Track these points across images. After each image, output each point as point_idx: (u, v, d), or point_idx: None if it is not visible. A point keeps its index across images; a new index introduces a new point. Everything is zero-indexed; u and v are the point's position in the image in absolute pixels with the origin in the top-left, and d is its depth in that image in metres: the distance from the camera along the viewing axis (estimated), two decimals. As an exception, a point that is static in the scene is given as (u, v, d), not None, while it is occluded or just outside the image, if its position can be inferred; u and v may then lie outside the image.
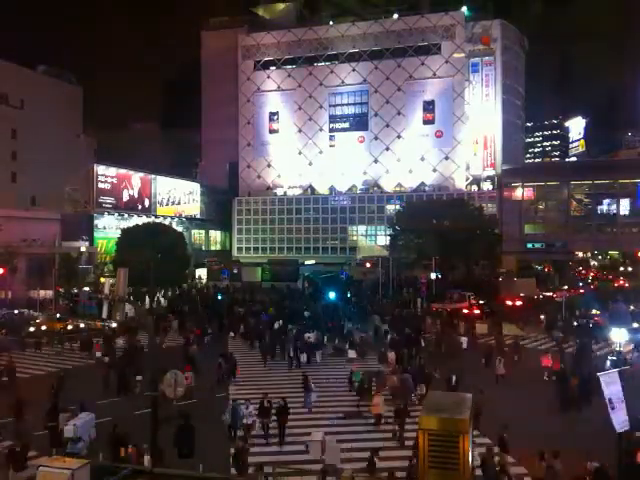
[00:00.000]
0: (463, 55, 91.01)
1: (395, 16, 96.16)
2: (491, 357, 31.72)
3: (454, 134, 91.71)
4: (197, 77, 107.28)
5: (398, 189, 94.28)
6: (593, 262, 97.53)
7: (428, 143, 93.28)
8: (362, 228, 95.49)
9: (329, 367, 33.08)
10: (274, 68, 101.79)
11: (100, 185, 76.03)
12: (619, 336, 31.80)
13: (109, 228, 76.14)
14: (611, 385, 15.11)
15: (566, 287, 61.00)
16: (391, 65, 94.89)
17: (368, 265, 73.11)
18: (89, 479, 11.80)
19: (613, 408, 14.80)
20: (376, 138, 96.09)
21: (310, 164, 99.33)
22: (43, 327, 40.36)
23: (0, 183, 77.87)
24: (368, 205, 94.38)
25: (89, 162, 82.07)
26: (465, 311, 48.41)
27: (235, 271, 74.40)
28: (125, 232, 64.16)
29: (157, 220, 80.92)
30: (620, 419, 14.78)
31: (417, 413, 12.67)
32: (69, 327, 41.33)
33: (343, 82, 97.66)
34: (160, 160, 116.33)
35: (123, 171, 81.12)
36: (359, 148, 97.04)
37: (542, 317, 47.19)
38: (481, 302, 52.03)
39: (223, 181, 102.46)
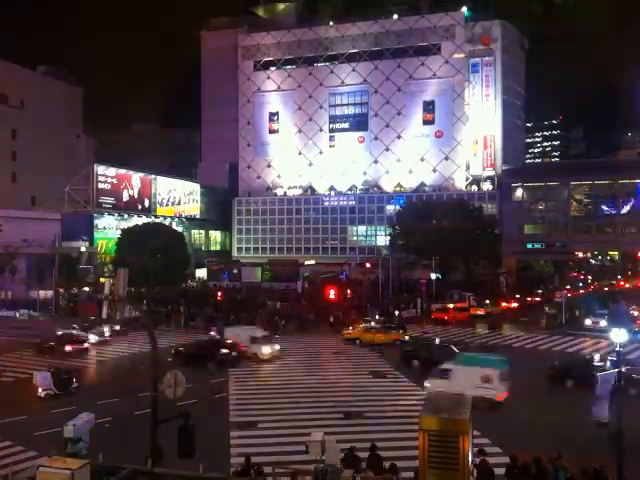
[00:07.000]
0: (463, 55, 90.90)
1: (395, 16, 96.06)
2: None
3: (454, 134, 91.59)
4: (197, 77, 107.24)
5: (398, 189, 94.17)
6: (592, 261, 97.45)
7: (428, 143, 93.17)
8: (362, 228, 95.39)
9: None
10: (274, 68, 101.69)
11: (100, 185, 75.93)
12: (619, 336, 31.69)
13: (109, 228, 76.07)
14: (605, 384, 16.04)
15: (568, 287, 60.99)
16: (391, 65, 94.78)
17: (368, 265, 73.01)
18: (89, 479, 11.77)
19: (595, 404, 17.32)
20: (376, 138, 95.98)
21: (310, 164, 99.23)
22: None
23: (0, 183, 77.91)
24: (368, 205, 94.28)
25: (89, 162, 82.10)
26: None
27: (235, 271, 74.30)
28: (125, 232, 64.19)
29: (157, 220, 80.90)
30: (599, 412, 16.79)
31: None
32: None
33: (343, 82, 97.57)
34: (160, 160, 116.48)
35: (123, 171, 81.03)
36: (359, 148, 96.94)
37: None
38: None
39: (223, 181, 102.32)
